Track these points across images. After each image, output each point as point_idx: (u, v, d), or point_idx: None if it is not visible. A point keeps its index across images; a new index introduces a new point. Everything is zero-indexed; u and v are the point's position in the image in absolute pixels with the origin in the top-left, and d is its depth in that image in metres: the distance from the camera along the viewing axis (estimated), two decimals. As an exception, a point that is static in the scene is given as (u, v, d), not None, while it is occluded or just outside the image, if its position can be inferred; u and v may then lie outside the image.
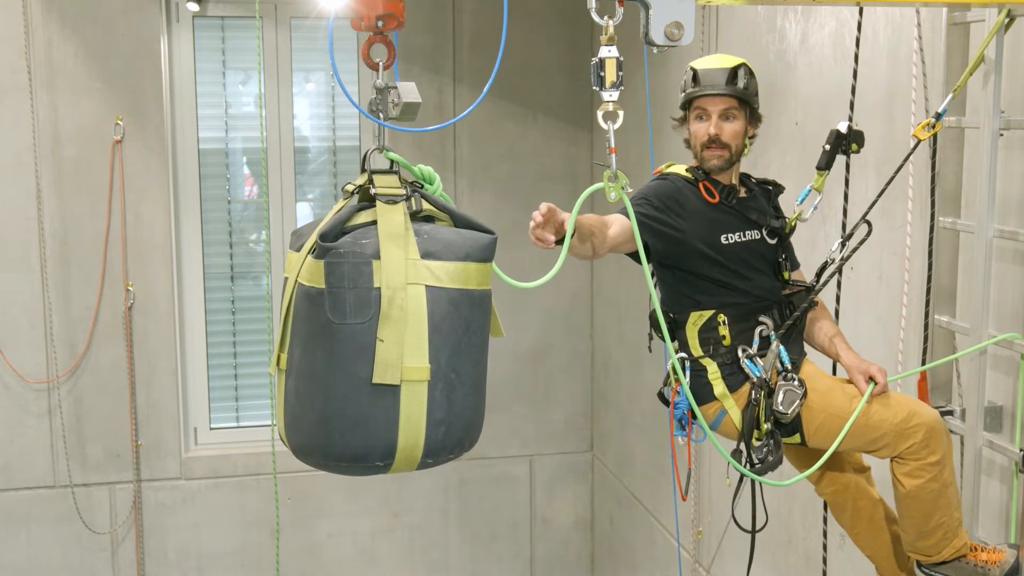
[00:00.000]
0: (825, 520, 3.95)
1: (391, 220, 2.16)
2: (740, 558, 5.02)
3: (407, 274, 2.13)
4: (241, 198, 6.99)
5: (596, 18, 2.25)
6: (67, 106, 6.27)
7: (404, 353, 2.12)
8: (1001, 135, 3.13)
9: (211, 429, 6.91)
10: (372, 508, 7.04)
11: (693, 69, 3.10)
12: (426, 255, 2.16)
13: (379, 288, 2.11)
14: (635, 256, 2.93)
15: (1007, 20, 3.02)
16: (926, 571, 3.08)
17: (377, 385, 2.12)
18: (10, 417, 6.44)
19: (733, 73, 3.05)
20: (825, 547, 4.01)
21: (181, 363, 6.74)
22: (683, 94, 3.12)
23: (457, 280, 2.17)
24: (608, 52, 2.27)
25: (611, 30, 2.27)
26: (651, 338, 3.19)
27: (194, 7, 6.49)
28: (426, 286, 2.15)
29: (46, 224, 6.31)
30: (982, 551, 3.03)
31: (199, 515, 6.77)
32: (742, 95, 3.05)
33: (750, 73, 3.10)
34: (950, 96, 3.15)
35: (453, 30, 6.74)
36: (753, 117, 3.12)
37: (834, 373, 3.42)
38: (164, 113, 6.45)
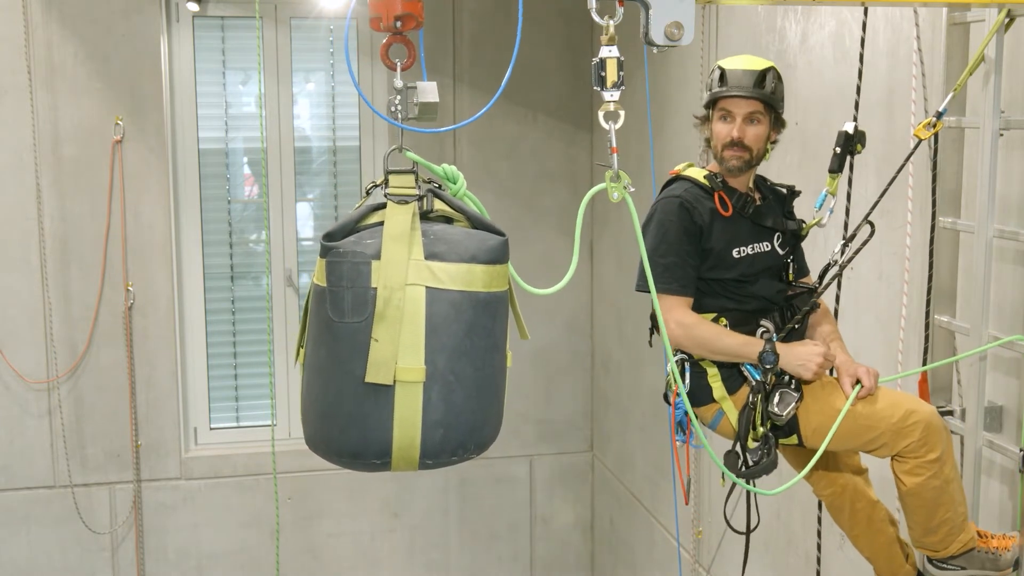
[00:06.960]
0: (820, 520, 3.95)
1: (398, 220, 2.17)
2: (740, 558, 5.02)
3: (408, 275, 2.13)
4: (241, 198, 6.99)
5: (596, 18, 2.25)
6: (67, 106, 6.27)
7: (399, 353, 2.12)
8: (1001, 135, 3.13)
9: (211, 429, 6.91)
10: (372, 508, 7.04)
11: (721, 68, 3.05)
12: (430, 256, 2.15)
13: (376, 288, 2.12)
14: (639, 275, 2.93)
15: (1007, 20, 3.01)
16: (938, 565, 3.06)
17: (371, 384, 2.12)
18: (10, 417, 6.44)
19: (761, 76, 3.01)
20: (819, 547, 4.01)
21: (181, 363, 6.74)
22: (708, 92, 3.07)
23: (460, 282, 2.16)
24: (609, 52, 2.26)
25: (611, 30, 2.26)
26: (652, 334, 3.21)
27: (194, 7, 6.49)
28: (426, 287, 2.14)
29: (46, 224, 6.31)
30: (992, 538, 3.03)
31: (199, 515, 6.77)
32: (768, 99, 3.01)
33: (778, 77, 3.06)
34: (951, 95, 3.14)
35: (453, 30, 6.74)
36: (777, 122, 3.09)
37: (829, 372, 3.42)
38: (164, 113, 6.45)
